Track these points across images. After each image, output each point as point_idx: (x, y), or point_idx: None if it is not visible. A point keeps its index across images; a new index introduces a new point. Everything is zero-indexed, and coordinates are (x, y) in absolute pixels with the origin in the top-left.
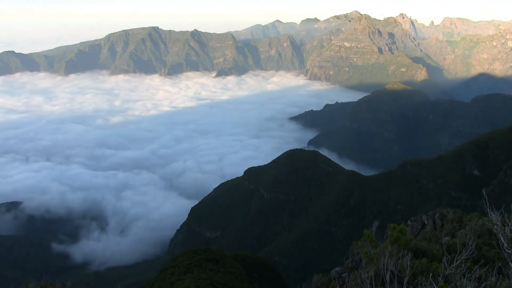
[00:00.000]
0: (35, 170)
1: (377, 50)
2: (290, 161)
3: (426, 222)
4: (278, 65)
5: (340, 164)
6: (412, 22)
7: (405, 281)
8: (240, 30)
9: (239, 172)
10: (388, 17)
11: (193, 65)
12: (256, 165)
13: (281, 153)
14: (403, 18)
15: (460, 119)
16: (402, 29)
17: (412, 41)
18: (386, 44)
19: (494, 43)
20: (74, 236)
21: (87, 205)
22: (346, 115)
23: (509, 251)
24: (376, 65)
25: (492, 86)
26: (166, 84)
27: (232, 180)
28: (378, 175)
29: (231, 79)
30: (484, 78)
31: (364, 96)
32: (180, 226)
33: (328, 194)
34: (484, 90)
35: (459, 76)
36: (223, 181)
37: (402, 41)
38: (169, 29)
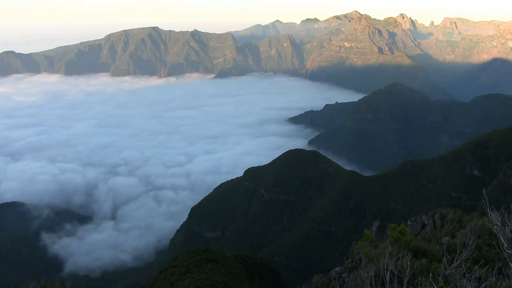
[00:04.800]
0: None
1: (377, 50)
2: (290, 161)
3: (426, 222)
4: (278, 65)
5: (340, 164)
6: (412, 22)
7: (405, 281)
8: (240, 30)
9: (238, 171)
10: (388, 17)
11: (193, 65)
12: (255, 165)
13: (281, 153)
14: (403, 18)
15: (460, 119)
16: (402, 29)
17: (412, 41)
18: (386, 44)
19: (494, 43)
20: (73, 236)
21: (86, 205)
22: (346, 115)
23: (509, 251)
24: (376, 65)
25: (492, 86)
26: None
27: (232, 180)
28: (378, 175)
29: (231, 79)
30: (484, 78)
31: (364, 96)
32: (180, 226)
33: (328, 194)
34: (484, 89)
35: (459, 75)
36: (222, 181)
37: (402, 41)
38: (169, 29)
